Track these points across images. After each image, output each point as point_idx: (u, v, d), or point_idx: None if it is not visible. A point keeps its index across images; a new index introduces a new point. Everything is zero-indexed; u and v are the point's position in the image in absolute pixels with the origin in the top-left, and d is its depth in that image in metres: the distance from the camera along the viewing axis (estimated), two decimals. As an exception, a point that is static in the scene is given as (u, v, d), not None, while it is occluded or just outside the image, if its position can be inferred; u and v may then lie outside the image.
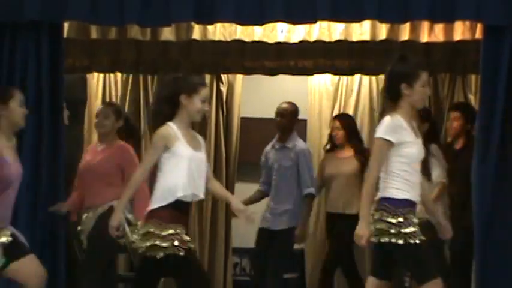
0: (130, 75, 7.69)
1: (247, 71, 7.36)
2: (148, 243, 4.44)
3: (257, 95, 8.11)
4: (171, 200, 4.49)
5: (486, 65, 5.36)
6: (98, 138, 5.85)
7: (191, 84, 4.62)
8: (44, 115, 5.51)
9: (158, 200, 4.51)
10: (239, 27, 6.50)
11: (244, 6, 5.37)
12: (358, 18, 5.62)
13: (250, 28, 6.51)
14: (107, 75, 7.68)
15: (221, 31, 6.58)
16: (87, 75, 7.64)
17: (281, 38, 6.70)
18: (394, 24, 6.21)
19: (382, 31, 6.36)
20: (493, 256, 5.24)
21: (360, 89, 7.87)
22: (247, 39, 6.63)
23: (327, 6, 5.35)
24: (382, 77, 7.51)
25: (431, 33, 6.30)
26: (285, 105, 6.60)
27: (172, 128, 4.55)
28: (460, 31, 6.14)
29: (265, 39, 6.66)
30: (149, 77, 7.74)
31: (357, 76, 7.74)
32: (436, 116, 7.71)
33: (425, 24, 6.26)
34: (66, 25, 6.16)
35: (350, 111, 7.76)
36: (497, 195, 5.26)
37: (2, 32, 5.42)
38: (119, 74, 7.67)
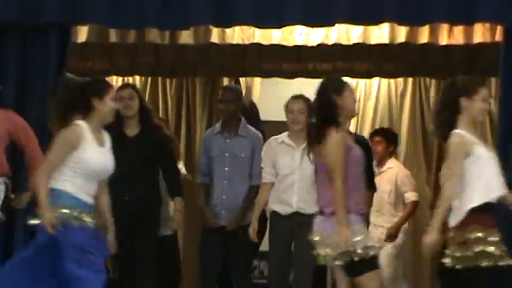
0: (149, 79, 7.72)
1: (266, 74, 7.36)
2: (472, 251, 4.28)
3: (275, 98, 8.08)
4: (487, 203, 4.35)
5: (505, 67, 5.33)
6: None
7: (470, 86, 4.52)
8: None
9: (474, 204, 4.34)
10: (257, 31, 6.51)
11: (262, 9, 5.38)
12: (377, 21, 5.61)
13: (268, 31, 6.52)
14: (126, 78, 7.72)
15: (239, 34, 6.60)
16: (107, 79, 7.67)
17: (299, 41, 6.70)
18: (413, 27, 6.19)
19: (401, 34, 6.35)
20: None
21: (378, 92, 7.83)
22: (265, 42, 6.64)
23: (345, 9, 5.34)
24: (400, 80, 7.58)
25: (450, 35, 6.28)
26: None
27: (464, 134, 4.42)
28: (480, 33, 6.12)
29: (283, 43, 6.67)
30: (167, 80, 7.77)
31: (376, 79, 7.71)
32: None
33: (445, 27, 6.25)
34: (85, 29, 6.21)
35: (369, 115, 7.73)
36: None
37: (25, 33, 5.45)
38: (137, 77, 7.70)
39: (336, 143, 4.63)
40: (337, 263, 4.62)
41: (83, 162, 4.56)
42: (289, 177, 5.56)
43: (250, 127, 6.05)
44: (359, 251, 4.55)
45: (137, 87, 6.07)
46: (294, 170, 5.56)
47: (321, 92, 4.84)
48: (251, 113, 6.51)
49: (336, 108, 4.73)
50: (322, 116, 4.76)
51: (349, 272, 4.68)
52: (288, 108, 5.65)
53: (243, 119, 6.06)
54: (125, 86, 6.09)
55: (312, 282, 5.53)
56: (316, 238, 4.70)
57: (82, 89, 4.66)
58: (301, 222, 5.44)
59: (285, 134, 5.70)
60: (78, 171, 4.55)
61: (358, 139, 5.80)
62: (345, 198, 4.57)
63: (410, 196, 6.72)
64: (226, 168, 5.91)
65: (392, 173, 6.77)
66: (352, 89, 5.01)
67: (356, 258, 4.54)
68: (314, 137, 4.77)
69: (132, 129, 5.73)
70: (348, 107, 4.79)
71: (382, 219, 6.71)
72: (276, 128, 8.06)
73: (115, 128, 5.67)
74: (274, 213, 5.65)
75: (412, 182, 6.82)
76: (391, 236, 6.70)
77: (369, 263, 4.62)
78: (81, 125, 4.58)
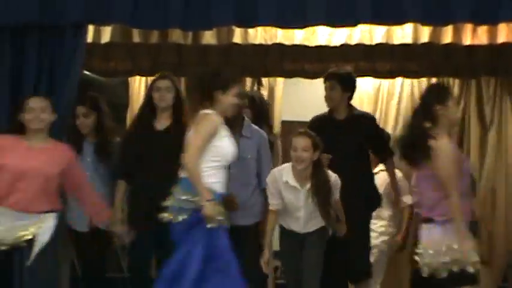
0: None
1: (288, 75, 7.36)
2: None
3: (298, 99, 8.10)
4: None
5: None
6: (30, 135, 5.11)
7: None
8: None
9: None
10: (280, 31, 6.51)
11: (285, 9, 5.37)
12: (400, 21, 5.59)
13: (291, 31, 6.52)
14: (148, 78, 7.74)
15: (262, 34, 6.60)
16: (129, 79, 7.71)
17: (322, 41, 6.69)
18: (436, 27, 6.16)
19: (425, 34, 6.32)
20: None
21: (401, 92, 7.81)
22: (287, 43, 6.64)
23: (368, 10, 5.33)
24: (424, 80, 7.55)
25: (474, 35, 6.25)
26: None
27: None
28: (504, 33, 6.08)
29: (306, 43, 6.66)
30: (190, 81, 7.78)
31: (399, 79, 7.69)
32: (480, 118, 7.63)
33: (468, 27, 6.21)
34: (109, 29, 6.24)
35: (391, 115, 7.71)
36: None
37: (45, 33, 5.47)
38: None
39: (450, 158, 4.60)
40: (440, 273, 4.55)
41: (220, 150, 4.61)
42: (295, 213, 5.54)
43: (254, 126, 5.93)
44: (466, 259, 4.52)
45: (175, 79, 5.74)
46: (300, 208, 5.51)
47: (424, 100, 4.78)
48: (260, 107, 6.45)
49: (439, 119, 4.69)
50: (424, 127, 4.69)
51: (448, 283, 4.61)
52: (292, 145, 5.45)
53: (246, 118, 5.96)
54: (163, 76, 5.73)
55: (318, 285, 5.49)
56: (423, 249, 4.64)
57: (205, 82, 4.76)
58: (308, 236, 5.55)
59: (289, 169, 5.50)
60: (214, 159, 4.60)
61: (362, 114, 5.94)
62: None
63: (408, 200, 6.62)
64: (232, 170, 5.78)
65: (383, 175, 6.60)
66: (455, 96, 4.93)
67: (458, 269, 4.51)
68: (417, 149, 4.69)
69: (162, 123, 5.55)
70: (451, 118, 4.77)
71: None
72: (297, 128, 8.06)
73: (143, 119, 5.60)
74: (282, 226, 5.70)
75: (406, 185, 6.67)
76: (402, 247, 6.73)
77: (470, 277, 4.58)
78: (215, 113, 4.63)
